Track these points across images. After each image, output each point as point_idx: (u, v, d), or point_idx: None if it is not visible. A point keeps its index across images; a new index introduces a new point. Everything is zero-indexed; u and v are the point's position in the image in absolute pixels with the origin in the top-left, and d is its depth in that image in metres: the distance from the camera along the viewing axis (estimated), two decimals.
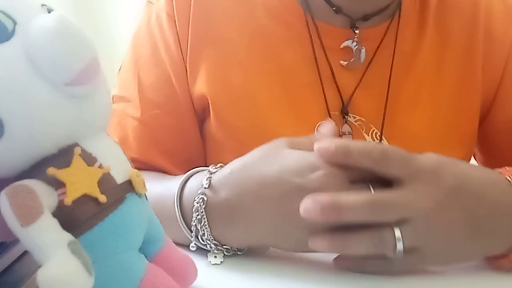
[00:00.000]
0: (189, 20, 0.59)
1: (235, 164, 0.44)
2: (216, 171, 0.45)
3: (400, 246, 0.38)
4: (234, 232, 0.44)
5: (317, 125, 0.52)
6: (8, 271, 0.37)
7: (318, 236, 0.40)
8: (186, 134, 0.61)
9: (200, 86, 0.59)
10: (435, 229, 0.39)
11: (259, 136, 0.46)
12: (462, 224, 0.40)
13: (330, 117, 0.58)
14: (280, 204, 0.41)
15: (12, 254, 0.38)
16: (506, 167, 0.44)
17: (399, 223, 0.39)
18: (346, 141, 0.41)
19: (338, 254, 0.43)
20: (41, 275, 0.26)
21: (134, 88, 0.61)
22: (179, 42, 0.59)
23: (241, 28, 0.59)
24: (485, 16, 0.62)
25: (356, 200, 0.38)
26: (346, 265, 0.43)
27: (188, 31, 0.59)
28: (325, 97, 0.58)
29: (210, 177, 0.44)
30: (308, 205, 0.38)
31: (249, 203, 0.42)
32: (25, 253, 0.38)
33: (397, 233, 0.38)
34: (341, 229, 0.40)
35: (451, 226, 0.40)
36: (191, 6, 0.59)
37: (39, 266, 0.26)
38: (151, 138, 0.60)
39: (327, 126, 0.48)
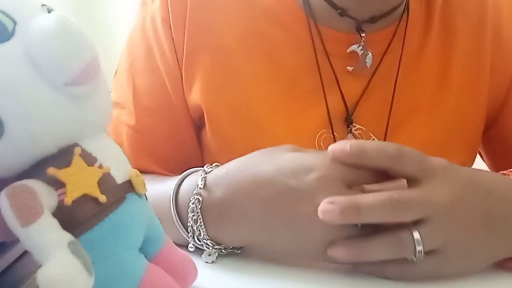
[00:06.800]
0: (185, 25, 0.56)
1: (231, 164, 0.44)
2: (212, 170, 0.45)
3: (419, 248, 0.38)
4: (227, 232, 0.43)
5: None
6: (8, 271, 0.37)
7: (336, 245, 0.39)
8: (182, 141, 0.60)
9: (196, 96, 0.57)
10: (455, 225, 0.39)
11: (255, 148, 0.45)
12: (480, 220, 0.40)
13: (332, 126, 0.56)
14: (273, 205, 0.41)
15: (12, 254, 0.38)
16: (510, 170, 0.44)
17: (417, 224, 0.38)
18: (360, 141, 0.41)
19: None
20: (41, 275, 0.26)
21: (129, 94, 0.59)
22: (175, 49, 0.57)
23: (239, 33, 0.57)
24: (493, 16, 0.60)
25: (376, 201, 0.37)
26: (368, 269, 0.41)
27: (184, 37, 0.56)
28: (327, 106, 0.56)
29: (205, 176, 0.44)
30: (326, 208, 0.37)
31: (241, 203, 0.42)
32: (25, 253, 0.38)
33: (416, 235, 0.38)
34: (351, 235, 0.39)
35: (469, 222, 0.39)
36: (187, 10, 0.56)
37: (39, 266, 0.26)
38: (145, 147, 0.59)
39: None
